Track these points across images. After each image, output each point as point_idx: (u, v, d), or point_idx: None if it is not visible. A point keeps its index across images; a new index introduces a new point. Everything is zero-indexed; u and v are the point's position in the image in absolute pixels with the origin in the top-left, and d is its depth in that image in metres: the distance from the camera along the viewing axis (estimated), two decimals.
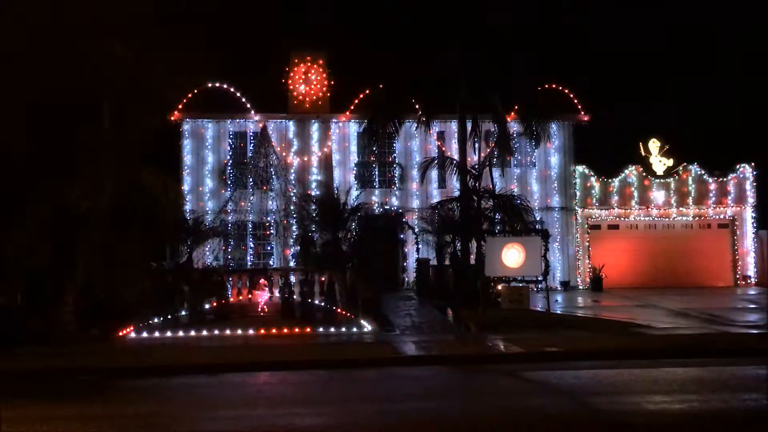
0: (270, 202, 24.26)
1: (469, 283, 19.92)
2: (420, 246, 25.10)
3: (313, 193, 25.13)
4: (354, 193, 24.28)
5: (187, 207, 25.00)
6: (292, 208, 24.20)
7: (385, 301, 20.75)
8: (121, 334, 15.81)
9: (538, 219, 25.79)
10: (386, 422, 8.73)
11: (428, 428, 8.54)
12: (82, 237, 16.95)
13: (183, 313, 17.86)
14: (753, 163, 27.59)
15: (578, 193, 27.24)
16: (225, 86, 25.82)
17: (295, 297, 18.51)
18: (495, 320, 16.46)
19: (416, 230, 25.14)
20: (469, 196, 21.51)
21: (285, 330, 16.05)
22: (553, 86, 26.32)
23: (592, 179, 27.38)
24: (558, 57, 29.57)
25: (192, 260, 21.08)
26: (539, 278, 18.49)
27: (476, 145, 21.89)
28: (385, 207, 26.22)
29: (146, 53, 16.50)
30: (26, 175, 15.37)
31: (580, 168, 27.29)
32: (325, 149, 26.27)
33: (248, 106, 25.79)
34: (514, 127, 24.31)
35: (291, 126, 26.38)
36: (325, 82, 26.30)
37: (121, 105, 17.46)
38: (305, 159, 26.19)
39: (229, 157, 26.10)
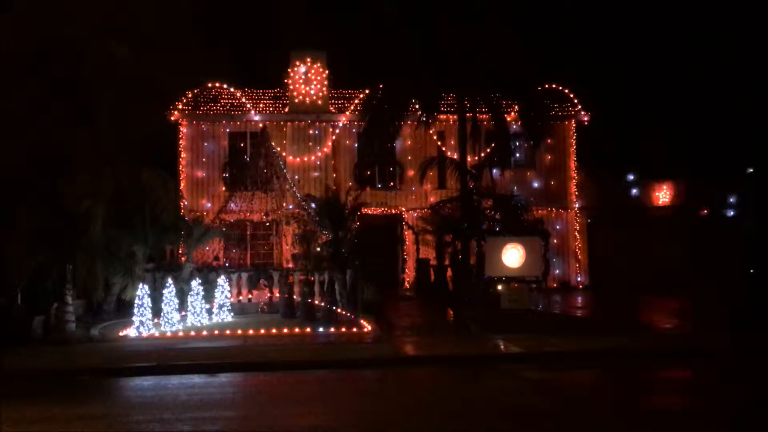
0: (270, 202, 24.26)
1: (469, 283, 19.93)
2: (420, 246, 25.10)
3: (312, 193, 25.12)
4: (354, 193, 24.28)
5: (187, 207, 25.03)
6: (291, 207, 24.23)
7: (385, 302, 20.76)
8: (121, 334, 15.80)
9: (538, 219, 25.78)
10: (385, 422, 8.74)
11: (428, 428, 8.54)
12: (82, 237, 16.96)
13: (183, 313, 17.87)
14: (753, 164, 27.59)
15: (578, 193, 27.24)
16: (225, 86, 25.81)
17: (295, 297, 18.52)
18: (495, 320, 16.45)
19: (416, 230, 25.14)
20: (469, 196, 21.51)
21: (285, 330, 16.04)
22: (553, 86, 26.32)
23: (592, 179, 27.37)
24: (558, 56, 29.55)
25: (192, 260, 21.07)
26: (539, 278, 18.49)
27: (476, 145, 21.90)
28: (385, 207, 26.22)
29: (146, 53, 16.52)
30: (26, 175, 15.38)
31: (580, 168, 27.29)
32: (325, 149, 26.28)
33: (248, 106, 25.80)
34: (514, 127, 24.31)
35: (291, 126, 26.38)
36: (325, 82, 26.30)
37: (121, 105, 17.47)
38: (305, 159, 26.20)
39: (228, 157, 26.10)
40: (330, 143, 26.30)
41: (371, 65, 24.45)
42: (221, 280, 18.24)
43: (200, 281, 17.90)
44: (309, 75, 26.27)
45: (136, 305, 15.91)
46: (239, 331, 15.92)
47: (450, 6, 21.25)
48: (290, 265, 22.64)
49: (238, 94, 25.80)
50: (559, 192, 27.16)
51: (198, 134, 26.11)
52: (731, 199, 27.57)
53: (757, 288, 23.58)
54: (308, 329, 16.14)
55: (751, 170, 27.54)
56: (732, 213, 27.94)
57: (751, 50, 32.80)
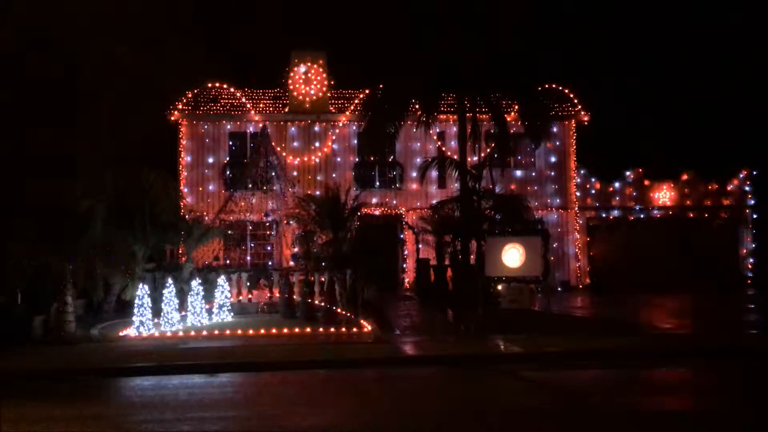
0: (270, 202, 24.29)
1: (469, 283, 19.91)
2: (420, 246, 25.08)
3: (313, 193, 25.14)
4: (354, 193, 24.29)
5: (187, 207, 25.03)
6: (291, 207, 24.23)
7: (385, 302, 20.77)
8: (121, 334, 15.81)
9: (538, 219, 25.79)
10: (386, 422, 8.74)
11: (428, 428, 8.54)
12: (82, 237, 16.95)
13: (183, 313, 17.87)
14: (752, 164, 27.59)
15: (578, 193, 27.23)
16: (225, 86, 25.80)
17: (295, 297, 18.53)
18: (495, 320, 16.44)
19: (416, 230, 25.13)
20: (469, 196, 21.47)
21: (285, 330, 16.04)
22: (553, 86, 26.31)
23: (592, 179, 27.37)
24: (558, 57, 29.59)
25: (192, 260, 21.07)
26: (539, 278, 18.48)
27: (476, 145, 21.86)
28: (385, 207, 26.22)
29: (146, 53, 16.53)
30: (26, 175, 15.38)
31: (580, 168, 27.29)
32: (325, 149, 26.28)
33: (248, 106, 25.80)
34: (514, 127, 24.28)
35: (291, 126, 26.38)
36: (325, 82, 26.30)
37: (121, 105, 17.48)
38: (305, 159, 26.20)
39: (228, 157, 26.10)
40: (330, 143, 26.30)
41: (371, 65, 24.45)
42: (221, 280, 18.25)
43: (200, 281, 17.91)
44: (309, 75, 26.27)
45: (136, 305, 15.91)
46: (239, 331, 15.92)
47: (450, 6, 21.22)
48: (290, 265, 22.65)
49: (238, 94, 25.80)
50: (559, 192, 27.15)
51: (198, 134, 26.11)
52: (729, 198, 27.55)
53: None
54: (308, 329, 16.14)
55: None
56: (729, 213, 27.91)
57: (751, 49, 32.83)
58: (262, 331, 15.93)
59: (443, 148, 26.14)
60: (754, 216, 27.67)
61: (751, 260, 27.56)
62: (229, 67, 26.17)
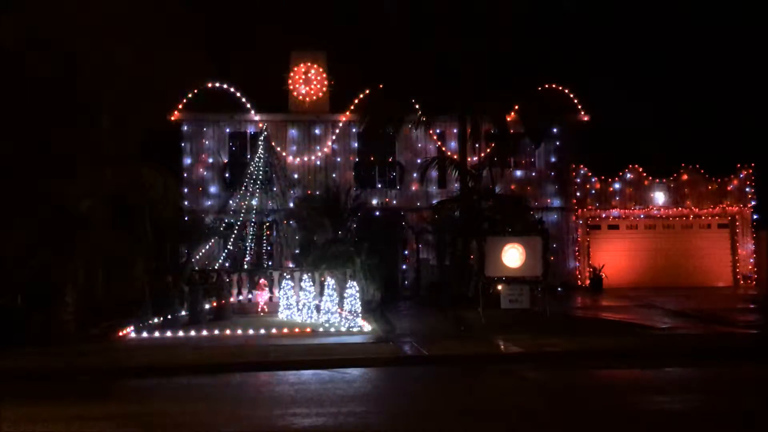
0: (270, 203, 24.28)
1: (469, 283, 19.95)
2: (420, 246, 25.08)
3: (313, 194, 25.14)
4: (354, 193, 24.30)
5: (187, 207, 25.01)
6: (291, 205, 24.24)
7: (385, 302, 20.77)
8: (121, 334, 15.81)
9: (538, 219, 25.75)
10: (386, 422, 8.74)
11: (428, 427, 8.54)
12: (82, 237, 16.96)
13: (183, 313, 17.88)
14: (753, 164, 27.57)
15: (578, 193, 27.22)
16: (225, 86, 25.80)
17: (295, 297, 18.52)
18: (495, 320, 16.46)
19: (416, 230, 25.12)
20: (469, 196, 21.53)
21: (285, 330, 16.05)
22: (553, 86, 26.29)
23: (592, 179, 27.37)
24: (558, 57, 29.54)
25: (192, 260, 21.08)
26: (539, 278, 18.49)
27: (476, 145, 21.91)
28: (385, 207, 26.22)
29: (146, 53, 16.50)
30: (26, 175, 15.37)
31: (580, 168, 27.28)
32: (325, 149, 26.27)
33: (248, 106, 25.79)
34: (513, 127, 24.28)
35: (291, 126, 26.38)
36: (325, 82, 26.29)
37: (121, 105, 17.46)
38: (305, 159, 26.20)
39: (228, 158, 26.10)
40: (330, 143, 26.30)
41: (371, 65, 24.44)
42: (221, 279, 18.26)
43: (200, 281, 17.91)
44: (309, 75, 26.26)
45: (136, 305, 15.92)
46: (239, 331, 15.93)
47: (450, 6, 21.25)
48: (290, 265, 22.65)
49: (238, 94, 25.78)
50: (560, 192, 27.14)
51: (198, 134, 26.10)
52: (729, 198, 27.52)
53: None
54: (308, 329, 16.15)
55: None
56: (729, 213, 27.89)
57: (751, 49, 32.82)
58: (262, 331, 15.94)
59: (443, 148, 26.13)
60: (755, 216, 27.66)
61: (752, 260, 27.55)
62: (229, 67, 26.12)
